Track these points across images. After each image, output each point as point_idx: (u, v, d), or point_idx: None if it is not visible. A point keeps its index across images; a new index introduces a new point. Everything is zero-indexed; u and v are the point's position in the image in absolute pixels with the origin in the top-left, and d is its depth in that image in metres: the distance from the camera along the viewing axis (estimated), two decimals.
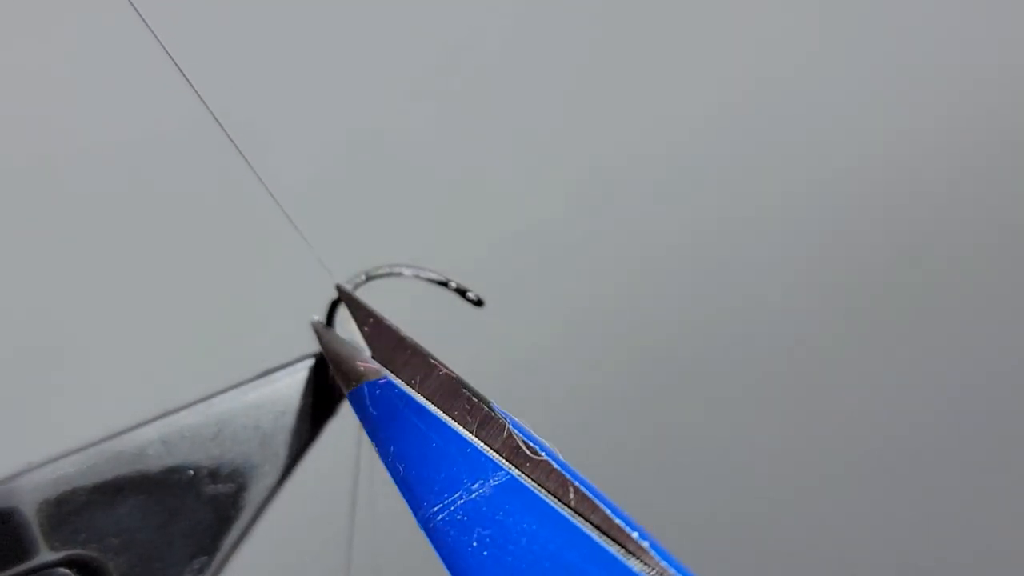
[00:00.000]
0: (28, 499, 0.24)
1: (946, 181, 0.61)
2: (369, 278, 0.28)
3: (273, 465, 0.26)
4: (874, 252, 0.61)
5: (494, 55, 0.55)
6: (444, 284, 0.29)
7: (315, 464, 0.27)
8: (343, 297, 0.27)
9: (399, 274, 0.29)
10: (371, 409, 0.23)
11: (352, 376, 0.24)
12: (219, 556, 0.25)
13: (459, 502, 0.21)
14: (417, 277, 0.29)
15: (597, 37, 0.56)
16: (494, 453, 0.21)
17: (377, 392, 0.23)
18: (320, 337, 0.26)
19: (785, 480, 0.62)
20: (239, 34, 0.49)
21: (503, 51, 0.55)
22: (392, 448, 0.22)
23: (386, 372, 0.24)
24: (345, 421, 0.27)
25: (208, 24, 0.48)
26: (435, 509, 0.21)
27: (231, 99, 0.48)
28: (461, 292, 0.29)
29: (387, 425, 0.23)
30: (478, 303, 0.29)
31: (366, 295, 0.28)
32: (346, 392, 0.24)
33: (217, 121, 0.25)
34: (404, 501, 0.22)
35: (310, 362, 0.27)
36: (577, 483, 0.20)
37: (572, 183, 0.57)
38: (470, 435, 0.22)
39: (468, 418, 0.22)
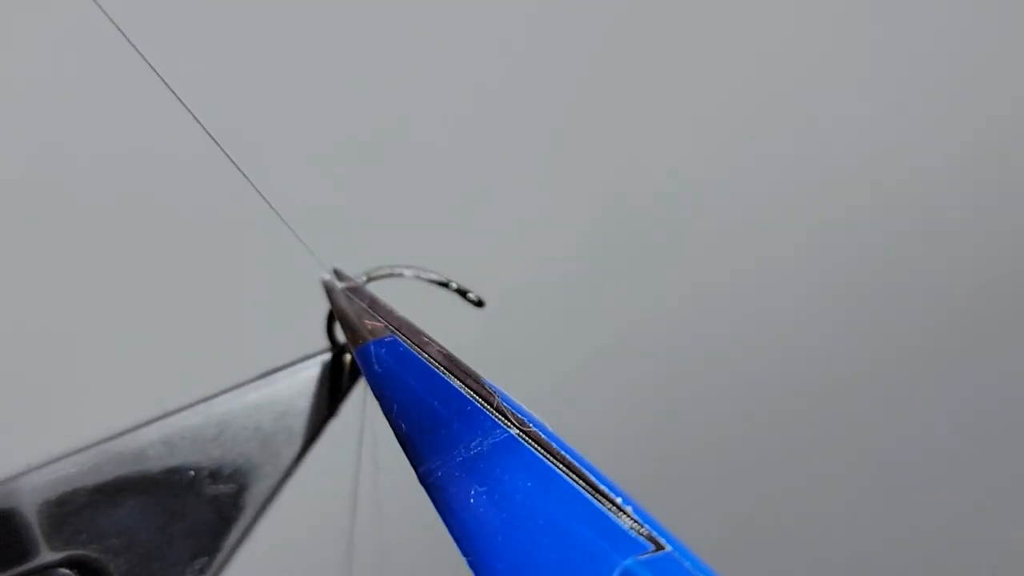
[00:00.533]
0: (29, 500, 0.24)
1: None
2: (370, 279, 0.28)
3: (274, 466, 0.26)
4: (898, 279, 0.61)
5: (506, 59, 0.55)
6: (445, 285, 0.29)
7: (316, 464, 0.27)
8: (338, 277, 0.27)
9: (400, 275, 0.29)
10: (376, 367, 0.24)
11: (360, 334, 0.25)
12: (220, 556, 0.25)
13: (458, 459, 0.21)
14: (418, 278, 0.29)
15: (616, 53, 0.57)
16: (494, 412, 0.22)
17: (383, 351, 0.24)
18: (330, 294, 0.27)
19: (815, 499, 0.61)
20: (243, 35, 0.50)
21: (517, 56, 0.55)
22: (395, 407, 0.23)
23: (393, 331, 0.24)
24: (346, 420, 0.27)
25: (208, 26, 0.49)
26: (434, 466, 0.21)
27: (237, 102, 0.48)
28: (462, 293, 0.29)
29: (391, 383, 0.24)
30: (479, 304, 0.29)
31: None
32: (353, 349, 0.25)
33: (197, 118, 0.25)
34: (405, 459, 0.22)
35: (311, 362, 0.27)
36: (564, 452, 0.21)
37: (598, 202, 0.57)
38: (471, 394, 0.22)
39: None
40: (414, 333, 0.24)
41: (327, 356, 0.27)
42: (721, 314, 0.60)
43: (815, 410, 0.61)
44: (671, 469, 0.60)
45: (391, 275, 0.29)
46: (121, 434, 0.25)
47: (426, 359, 0.23)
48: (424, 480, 0.22)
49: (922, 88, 0.60)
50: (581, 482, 0.20)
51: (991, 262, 0.61)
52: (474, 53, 0.54)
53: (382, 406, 0.24)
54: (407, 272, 0.29)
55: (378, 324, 0.25)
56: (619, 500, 0.19)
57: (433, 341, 0.24)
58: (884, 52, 0.59)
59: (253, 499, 0.26)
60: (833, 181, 0.60)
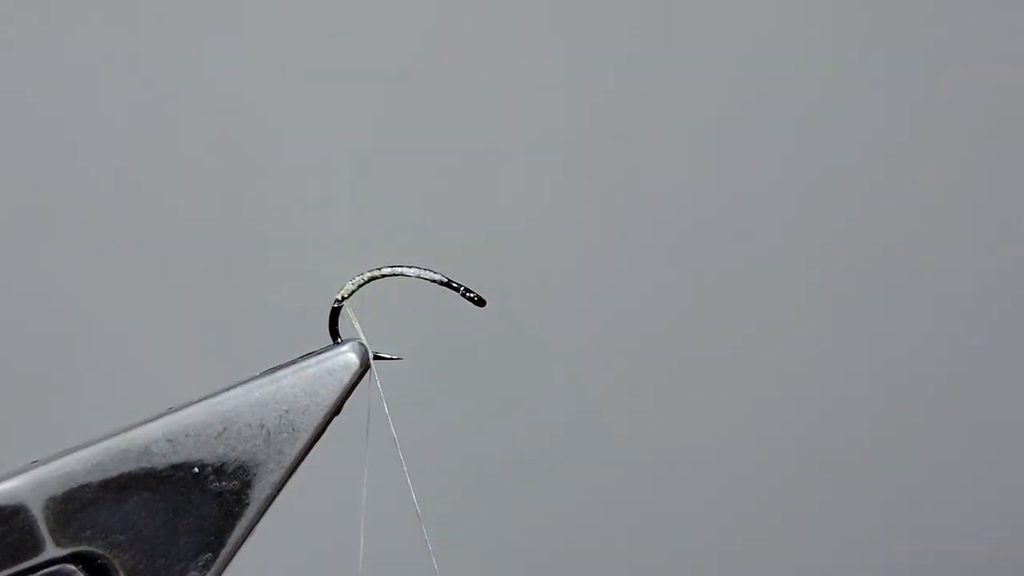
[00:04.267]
0: (34, 496, 0.24)
1: None
2: (372, 278, 0.29)
3: (277, 463, 0.26)
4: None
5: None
6: (447, 284, 0.29)
7: (318, 461, 0.27)
8: None
9: (402, 274, 0.29)
10: None
11: None
12: (224, 552, 0.25)
13: None
14: (420, 277, 0.29)
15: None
16: None
17: None
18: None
19: None
20: (253, 29, 0.50)
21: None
22: None
23: None
24: (348, 418, 0.27)
25: (220, 22, 0.49)
26: None
27: (244, 103, 0.49)
28: (464, 292, 0.29)
29: None
30: (480, 303, 0.29)
31: (367, 294, 0.28)
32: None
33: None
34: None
35: (315, 359, 0.27)
36: None
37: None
38: None
39: None
40: None
41: (330, 353, 0.27)
42: None
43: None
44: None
45: (394, 274, 0.29)
46: (126, 431, 0.25)
47: None
48: None
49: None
50: None
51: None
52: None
53: None
54: (410, 271, 0.29)
55: None
56: None
57: None
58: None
59: (257, 495, 0.26)
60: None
